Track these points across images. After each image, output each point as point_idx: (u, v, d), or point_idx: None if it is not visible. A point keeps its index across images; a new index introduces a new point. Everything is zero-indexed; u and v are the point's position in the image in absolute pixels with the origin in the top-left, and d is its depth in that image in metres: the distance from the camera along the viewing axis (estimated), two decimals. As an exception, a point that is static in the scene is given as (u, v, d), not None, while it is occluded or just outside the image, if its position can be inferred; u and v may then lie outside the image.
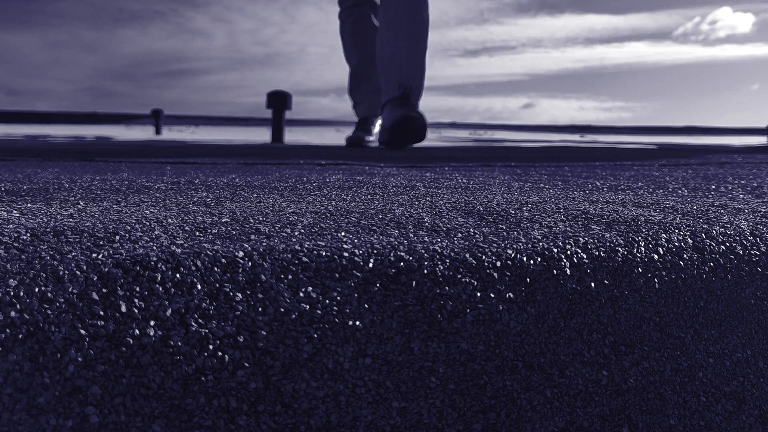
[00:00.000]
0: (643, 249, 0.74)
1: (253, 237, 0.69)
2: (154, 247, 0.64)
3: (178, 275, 0.60)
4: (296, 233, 0.72)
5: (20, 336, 0.58)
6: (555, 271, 0.68)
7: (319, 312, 0.60)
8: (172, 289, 0.60)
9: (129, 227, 0.72)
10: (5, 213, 0.82)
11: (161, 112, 19.23)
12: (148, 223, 0.74)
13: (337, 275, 0.62)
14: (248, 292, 0.60)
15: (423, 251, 0.65)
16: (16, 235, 0.69)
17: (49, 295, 0.59)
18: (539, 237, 0.73)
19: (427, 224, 0.75)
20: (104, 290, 0.59)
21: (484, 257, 0.66)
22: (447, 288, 0.63)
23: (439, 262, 0.64)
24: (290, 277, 0.61)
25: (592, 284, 0.69)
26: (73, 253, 0.63)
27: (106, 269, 0.60)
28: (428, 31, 4.26)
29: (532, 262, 0.67)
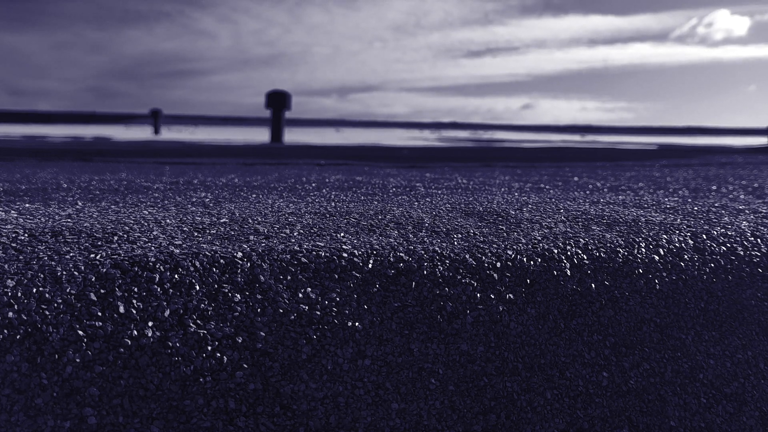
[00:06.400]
0: (643, 250, 0.74)
1: (251, 237, 0.68)
2: (153, 248, 0.64)
3: (176, 276, 0.60)
4: (295, 234, 0.71)
5: (18, 337, 0.58)
6: (555, 272, 0.67)
7: (318, 313, 0.60)
8: (171, 290, 0.59)
9: (127, 227, 0.72)
10: (3, 213, 0.82)
11: (160, 112, 19.23)
12: (146, 224, 0.74)
13: (336, 276, 0.61)
14: (247, 293, 0.60)
15: (423, 252, 0.65)
16: (13, 235, 0.69)
17: (47, 295, 0.59)
18: (539, 238, 0.72)
19: (426, 225, 0.74)
20: (102, 291, 0.59)
21: (484, 258, 0.66)
22: (447, 289, 0.63)
23: (438, 263, 0.64)
24: (289, 277, 0.60)
25: (593, 285, 0.69)
26: (71, 254, 0.62)
27: (104, 270, 0.60)
28: None
29: (532, 263, 0.67)
